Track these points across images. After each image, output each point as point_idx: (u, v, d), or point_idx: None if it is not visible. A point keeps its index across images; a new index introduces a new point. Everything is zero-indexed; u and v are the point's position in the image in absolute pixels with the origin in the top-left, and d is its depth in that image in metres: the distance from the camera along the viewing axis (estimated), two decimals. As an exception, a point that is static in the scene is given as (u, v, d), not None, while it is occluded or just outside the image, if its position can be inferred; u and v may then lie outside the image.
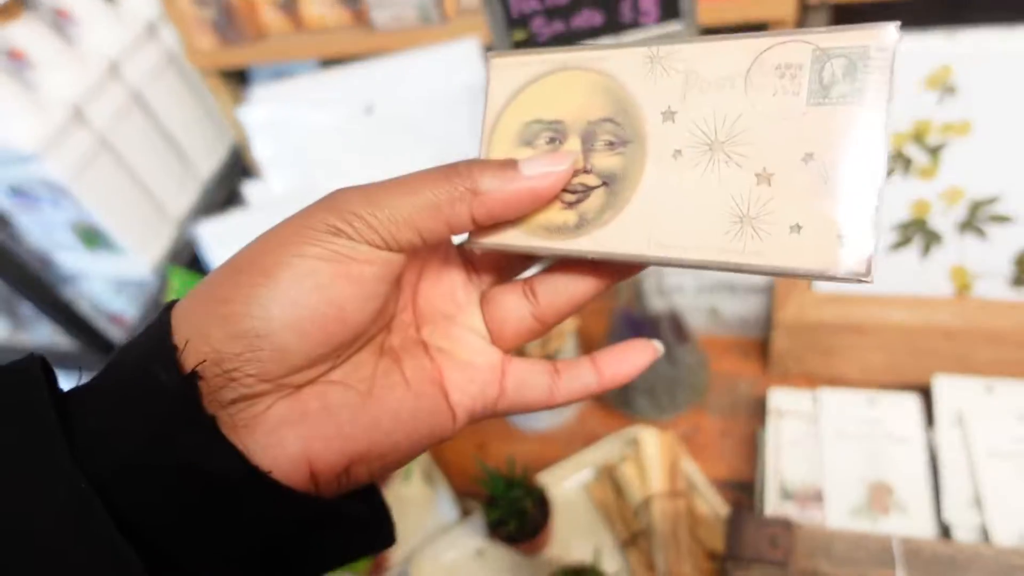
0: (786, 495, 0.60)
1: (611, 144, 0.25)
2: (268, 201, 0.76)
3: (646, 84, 0.24)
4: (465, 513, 0.69)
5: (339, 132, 0.73)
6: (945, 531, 0.56)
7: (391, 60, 0.72)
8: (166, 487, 0.21)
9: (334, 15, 0.75)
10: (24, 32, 0.71)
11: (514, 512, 0.60)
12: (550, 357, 0.69)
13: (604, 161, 0.25)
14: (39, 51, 0.71)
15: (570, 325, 0.68)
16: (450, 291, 0.28)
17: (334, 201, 0.24)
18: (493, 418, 0.28)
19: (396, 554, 0.68)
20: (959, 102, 0.58)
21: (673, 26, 0.49)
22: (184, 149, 0.86)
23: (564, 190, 0.25)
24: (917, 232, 0.64)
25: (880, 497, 0.59)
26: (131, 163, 0.79)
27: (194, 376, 0.21)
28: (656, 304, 0.65)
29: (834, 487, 0.60)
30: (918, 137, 0.60)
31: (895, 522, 0.57)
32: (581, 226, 0.25)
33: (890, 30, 0.21)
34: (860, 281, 0.21)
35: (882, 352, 0.66)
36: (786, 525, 0.42)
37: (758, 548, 0.42)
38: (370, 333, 0.26)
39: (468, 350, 0.27)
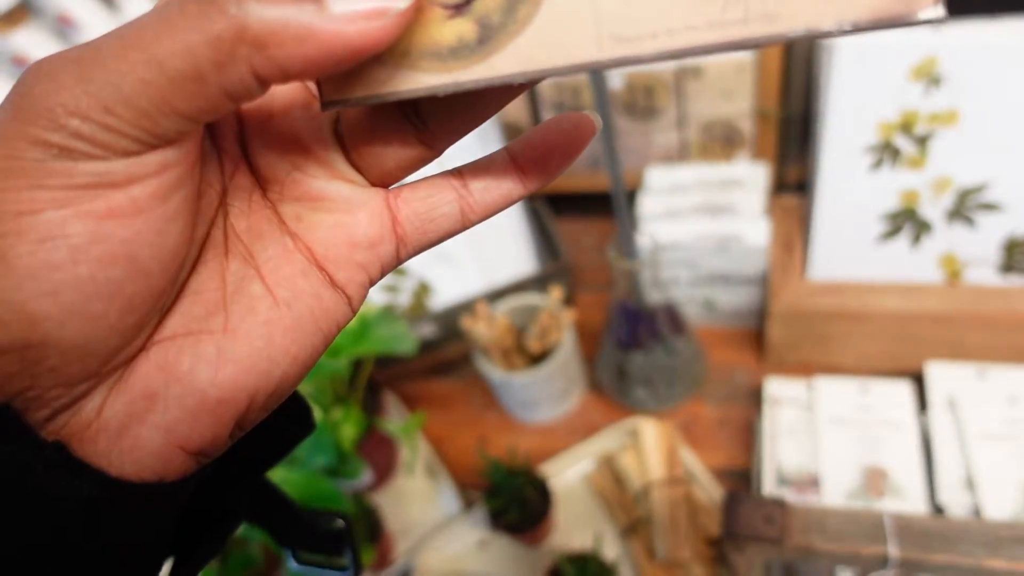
0: (783, 481, 0.62)
1: None
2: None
3: None
4: (468, 505, 0.70)
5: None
6: (939, 513, 0.57)
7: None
8: (29, 543, 0.16)
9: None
10: (27, 39, 0.72)
11: (516, 500, 0.61)
12: (547, 351, 0.70)
13: None
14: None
15: (568, 318, 0.69)
16: (290, 132, 0.20)
17: (34, 98, 0.15)
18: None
19: (400, 547, 0.69)
20: (945, 92, 0.59)
21: None
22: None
23: None
24: (907, 221, 0.65)
25: (875, 481, 0.60)
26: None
27: (9, 412, 0.16)
28: (653, 296, 0.66)
29: (830, 472, 0.61)
30: (906, 127, 0.61)
31: (890, 505, 0.58)
32: (487, 39, 0.16)
33: None
34: (935, 21, 0.14)
35: (876, 339, 0.67)
36: (780, 504, 0.43)
37: (753, 526, 0.43)
38: (195, 247, 0.19)
39: (338, 206, 0.20)
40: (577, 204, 0.91)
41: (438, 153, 0.21)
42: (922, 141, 0.62)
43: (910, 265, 0.67)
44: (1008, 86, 0.58)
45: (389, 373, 0.81)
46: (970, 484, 0.57)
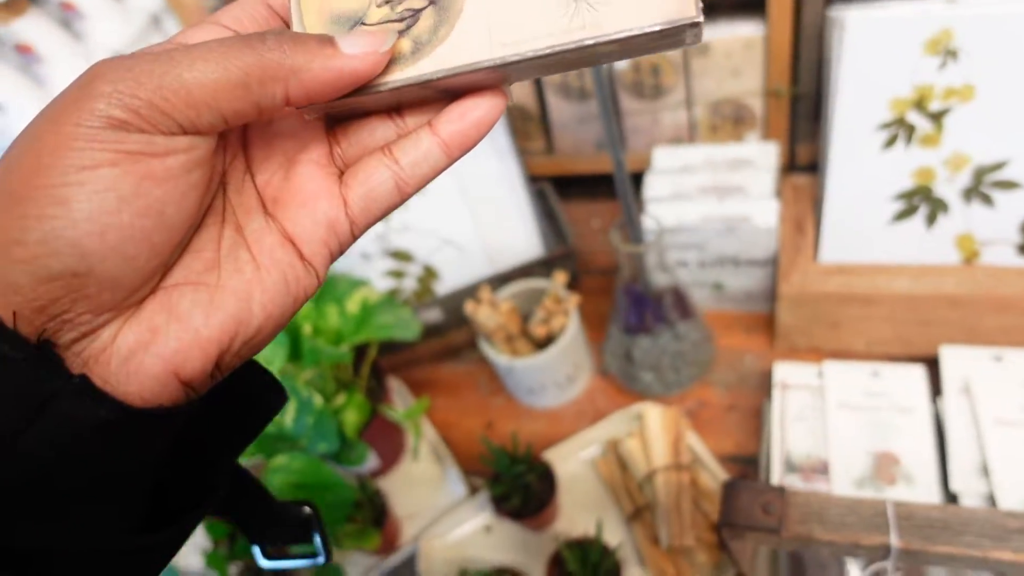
0: (791, 468, 0.60)
1: None
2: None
3: None
4: (474, 490, 0.70)
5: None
6: (952, 500, 0.56)
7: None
8: (42, 459, 0.19)
9: None
10: (31, 26, 0.72)
11: (518, 487, 0.60)
12: (552, 336, 0.69)
13: None
14: (46, 45, 0.72)
15: (572, 303, 0.68)
16: (289, 132, 0.25)
17: (106, 81, 0.19)
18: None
19: (406, 532, 0.69)
20: (961, 66, 0.57)
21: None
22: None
23: (392, 20, 0.24)
24: (922, 200, 0.63)
25: (886, 468, 0.59)
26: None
27: (48, 345, 0.19)
28: (659, 280, 0.65)
29: (839, 459, 0.60)
30: (920, 103, 0.59)
31: (901, 492, 0.57)
32: (418, 50, 0.24)
33: None
34: (695, 25, 0.22)
35: (888, 323, 0.66)
36: (780, 492, 0.42)
37: (751, 515, 0.42)
38: (202, 214, 0.23)
39: (305, 194, 0.24)
40: (584, 186, 0.89)
41: (409, 130, 0.25)
42: (937, 117, 0.60)
43: (925, 246, 0.65)
44: (1028, 58, 0.56)
45: (395, 359, 0.81)
46: (984, 471, 0.56)
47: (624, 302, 0.68)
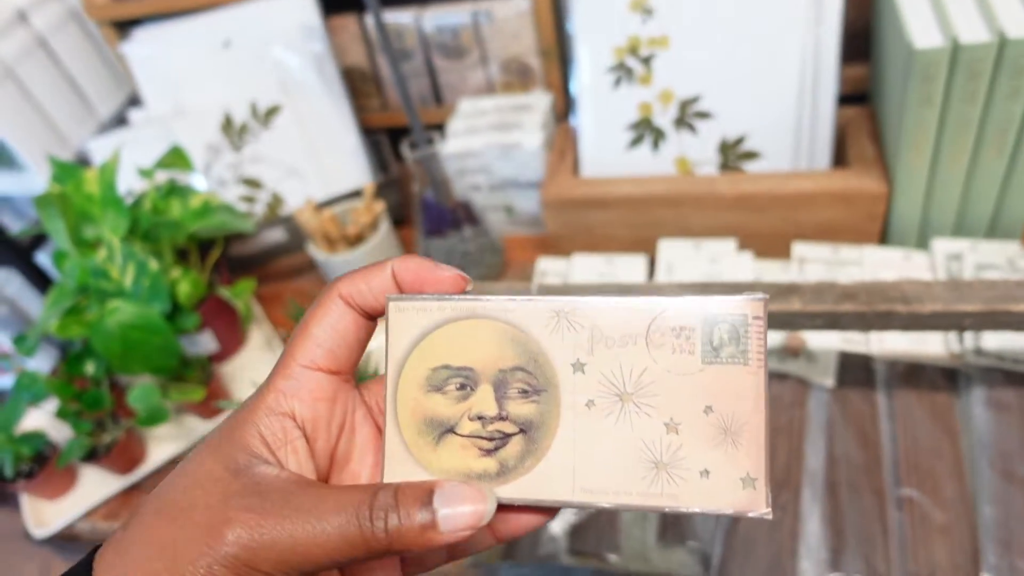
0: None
1: (525, 392, 0.26)
2: (147, 121, 0.92)
3: (554, 337, 0.26)
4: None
5: (204, 62, 0.90)
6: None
7: (245, 5, 0.90)
8: None
9: (204, -26, 0.93)
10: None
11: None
12: (363, 236, 0.84)
13: (519, 408, 0.26)
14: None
15: (379, 207, 0.84)
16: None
17: (236, 541, 0.23)
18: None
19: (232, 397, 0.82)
20: (657, 21, 0.77)
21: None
22: (86, 92, 1.03)
23: (481, 437, 0.26)
24: (646, 130, 0.81)
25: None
26: (35, 96, 0.95)
27: None
28: (453, 192, 0.82)
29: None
30: (633, 50, 0.78)
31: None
32: (503, 473, 0.26)
33: (762, 303, 0.25)
34: (763, 517, 0.24)
35: (626, 226, 0.83)
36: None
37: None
38: None
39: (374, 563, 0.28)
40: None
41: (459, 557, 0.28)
42: (646, 61, 0.79)
43: (654, 167, 0.83)
44: (705, 13, 0.75)
45: (247, 276, 0.95)
46: (671, 320, 0.72)
47: (422, 209, 0.84)
